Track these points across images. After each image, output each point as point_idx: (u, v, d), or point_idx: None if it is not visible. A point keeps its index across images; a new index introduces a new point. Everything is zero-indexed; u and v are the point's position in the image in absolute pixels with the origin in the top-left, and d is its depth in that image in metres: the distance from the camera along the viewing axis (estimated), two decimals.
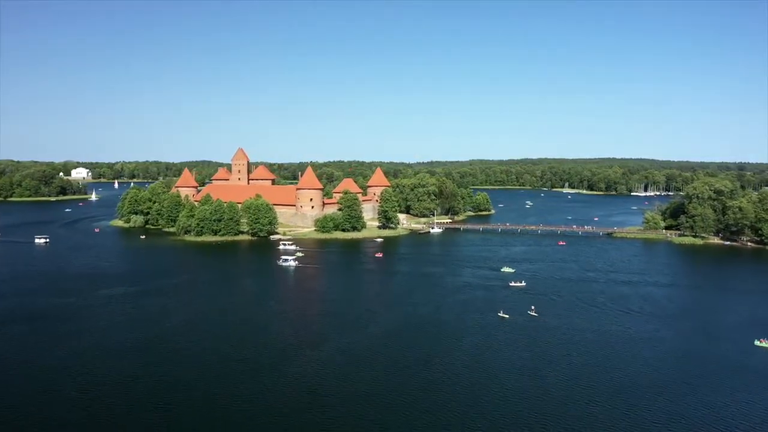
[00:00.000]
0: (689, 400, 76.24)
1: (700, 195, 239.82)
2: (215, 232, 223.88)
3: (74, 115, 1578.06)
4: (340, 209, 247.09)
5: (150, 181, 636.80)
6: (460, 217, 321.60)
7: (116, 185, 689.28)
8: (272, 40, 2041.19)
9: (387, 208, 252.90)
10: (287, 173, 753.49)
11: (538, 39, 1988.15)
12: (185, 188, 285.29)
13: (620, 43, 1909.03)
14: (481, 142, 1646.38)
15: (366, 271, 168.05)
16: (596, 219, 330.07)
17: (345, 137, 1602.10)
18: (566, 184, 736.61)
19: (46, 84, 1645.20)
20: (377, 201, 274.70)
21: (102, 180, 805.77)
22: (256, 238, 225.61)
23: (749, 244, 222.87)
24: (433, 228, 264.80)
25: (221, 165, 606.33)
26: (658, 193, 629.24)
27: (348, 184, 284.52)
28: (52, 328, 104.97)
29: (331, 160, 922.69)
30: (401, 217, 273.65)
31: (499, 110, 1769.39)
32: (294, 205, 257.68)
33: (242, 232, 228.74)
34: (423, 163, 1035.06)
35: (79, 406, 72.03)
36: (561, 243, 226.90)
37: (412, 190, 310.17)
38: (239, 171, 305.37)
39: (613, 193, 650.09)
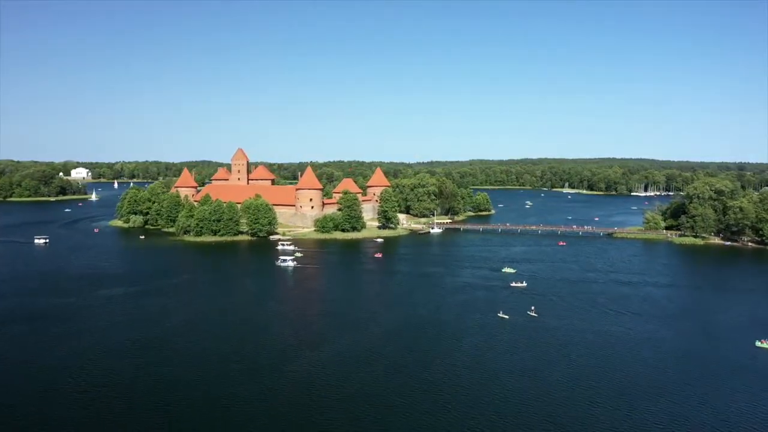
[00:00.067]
0: (690, 401, 76.00)
1: (700, 195, 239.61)
2: (215, 233, 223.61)
3: (74, 115, 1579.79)
4: (339, 209, 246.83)
5: (150, 181, 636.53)
6: (460, 218, 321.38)
7: (116, 185, 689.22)
8: (272, 40, 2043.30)
9: (387, 208, 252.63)
10: (287, 173, 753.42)
11: (538, 39, 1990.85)
12: (185, 188, 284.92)
13: (620, 43, 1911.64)
14: (481, 142, 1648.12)
15: (365, 272, 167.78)
16: (596, 219, 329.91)
17: (345, 137, 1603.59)
18: (566, 184, 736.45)
19: (46, 84, 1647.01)
20: (377, 201, 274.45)
21: (102, 180, 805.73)
22: (255, 238, 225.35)
23: (750, 244, 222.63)
24: (433, 228, 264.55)
25: (221, 165, 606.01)
26: (658, 193, 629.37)
27: (348, 184, 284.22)
28: (52, 328, 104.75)
29: (331, 160, 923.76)
30: (401, 217, 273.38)
31: (499, 110, 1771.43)
32: (294, 206, 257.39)
33: (242, 233, 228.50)
34: (423, 163, 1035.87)
35: (79, 406, 71.82)
36: (561, 243, 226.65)
37: (412, 190, 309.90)
38: (239, 171, 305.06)
39: (613, 193, 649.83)
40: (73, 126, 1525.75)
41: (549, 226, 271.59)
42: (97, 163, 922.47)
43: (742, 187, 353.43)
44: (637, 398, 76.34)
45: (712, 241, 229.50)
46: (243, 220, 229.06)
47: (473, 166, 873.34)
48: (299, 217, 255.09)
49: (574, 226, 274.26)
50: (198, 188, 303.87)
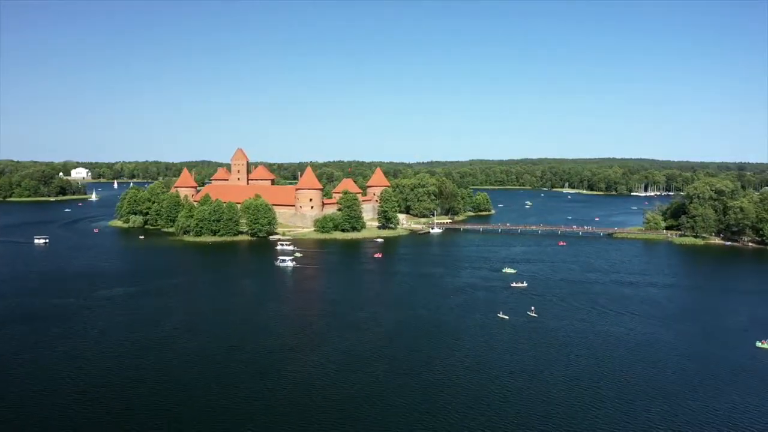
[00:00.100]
0: (691, 402, 75.77)
1: (700, 195, 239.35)
2: (214, 233, 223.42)
3: (74, 115, 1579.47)
4: (339, 209, 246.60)
5: (149, 181, 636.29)
6: (460, 218, 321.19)
7: (115, 185, 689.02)
8: (272, 40, 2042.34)
9: (387, 209, 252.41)
10: (287, 173, 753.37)
11: (538, 39, 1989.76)
12: (184, 188, 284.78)
13: (620, 43, 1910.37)
14: (481, 142, 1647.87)
15: (365, 272, 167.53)
16: (597, 219, 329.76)
17: (345, 137, 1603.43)
18: (566, 184, 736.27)
19: (46, 84, 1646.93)
20: (377, 201, 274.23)
21: (102, 180, 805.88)
22: (255, 238, 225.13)
23: (750, 244, 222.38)
24: (432, 228, 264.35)
25: (221, 165, 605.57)
26: (658, 193, 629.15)
27: (347, 184, 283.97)
28: (52, 328, 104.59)
29: (331, 160, 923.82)
30: (401, 217, 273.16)
31: (499, 110, 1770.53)
32: (293, 206, 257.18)
33: (241, 233, 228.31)
34: (423, 163, 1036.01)
35: (78, 407, 71.66)
36: (561, 243, 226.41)
37: (412, 190, 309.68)
38: (238, 171, 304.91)
39: (613, 193, 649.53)
40: (72, 126, 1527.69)
41: (549, 227, 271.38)
42: (96, 163, 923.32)
43: (743, 187, 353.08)
44: (638, 399, 76.12)
45: (712, 242, 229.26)
46: (243, 221, 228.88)
47: (473, 166, 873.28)
48: (299, 217, 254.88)
49: (575, 227, 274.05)
50: (198, 188, 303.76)
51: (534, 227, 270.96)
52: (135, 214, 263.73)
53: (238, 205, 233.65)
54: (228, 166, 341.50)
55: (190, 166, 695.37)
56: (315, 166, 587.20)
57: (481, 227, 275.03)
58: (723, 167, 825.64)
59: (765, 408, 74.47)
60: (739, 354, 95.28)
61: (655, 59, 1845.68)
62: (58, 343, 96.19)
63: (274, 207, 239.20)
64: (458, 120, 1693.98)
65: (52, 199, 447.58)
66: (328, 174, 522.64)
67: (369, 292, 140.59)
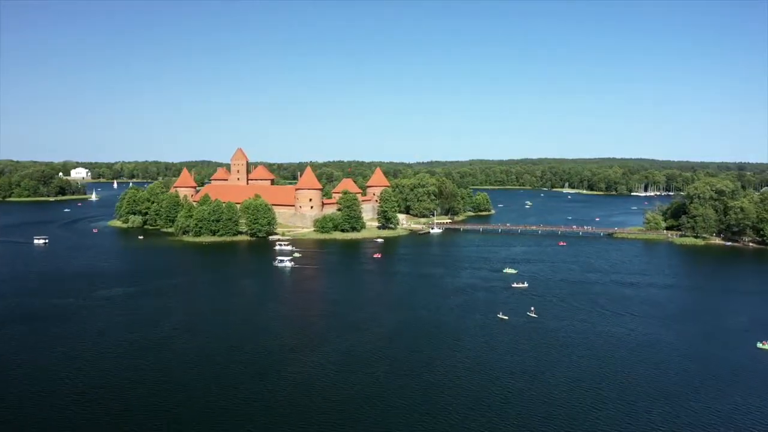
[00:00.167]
0: (692, 403, 75.42)
1: (701, 195, 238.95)
2: (214, 233, 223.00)
3: (74, 115, 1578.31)
4: (339, 209, 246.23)
5: (149, 181, 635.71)
6: (460, 218, 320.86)
7: (115, 185, 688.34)
8: (272, 40, 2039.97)
9: (386, 209, 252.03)
10: (287, 173, 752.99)
11: (538, 39, 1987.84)
12: (184, 188, 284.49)
13: (620, 43, 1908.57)
14: (481, 142, 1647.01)
15: (364, 272, 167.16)
16: (597, 219, 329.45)
17: (345, 137, 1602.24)
18: (566, 184, 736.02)
19: (46, 84, 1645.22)
20: (377, 201, 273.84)
21: (101, 180, 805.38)
22: (254, 238, 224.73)
23: (751, 244, 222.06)
24: (432, 228, 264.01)
25: (221, 165, 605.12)
26: (658, 193, 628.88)
27: (347, 184, 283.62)
28: (51, 328, 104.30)
29: (331, 160, 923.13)
30: (401, 217, 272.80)
31: (499, 110, 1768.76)
32: (293, 206, 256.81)
33: (241, 233, 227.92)
34: (423, 163, 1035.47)
35: (77, 407, 71.33)
36: (561, 243, 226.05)
37: (412, 190, 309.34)
38: (238, 171, 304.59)
39: (613, 193, 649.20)
40: (72, 126, 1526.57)
41: (549, 227, 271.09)
42: (96, 163, 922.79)
43: (743, 187, 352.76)
44: (639, 400, 75.76)
45: (712, 242, 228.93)
46: (242, 221, 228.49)
47: (473, 166, 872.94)
48: (299, 217, 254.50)
49: (575, 227, 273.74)
50: (197, 188, 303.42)
51: (534, 227, 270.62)
52: (134, 214, 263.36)
53: (238, 206, 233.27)
54: (228, 166, 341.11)
55: (190, 166, 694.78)
56: (315, 166, 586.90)
57: (481, 227, 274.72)
58: (723, 167, 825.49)
59: (766, 408, 74.07)
60: (740, 355, 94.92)
61: (655, 59, 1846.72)
62: (57, 343, 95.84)
63: (274, 207, 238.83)
64: (458, 120, 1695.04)
65: (51, 199, 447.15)
66: (327, 174, 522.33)
67: (369, 293, 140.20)
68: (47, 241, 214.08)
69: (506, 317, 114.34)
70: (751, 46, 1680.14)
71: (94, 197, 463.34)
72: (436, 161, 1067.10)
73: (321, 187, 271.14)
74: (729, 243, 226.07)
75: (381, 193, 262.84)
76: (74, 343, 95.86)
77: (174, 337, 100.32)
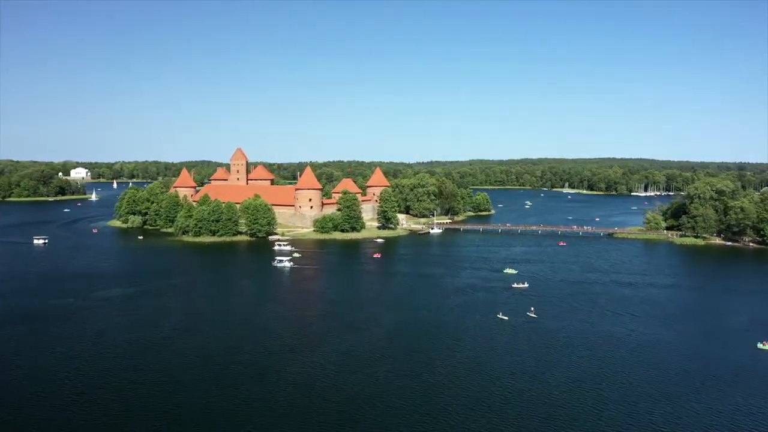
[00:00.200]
0: (693, 403, 75.16)
1: (701, 195, 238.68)
2: (213, 233, 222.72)
3: (74, 115, 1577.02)
4: (339, 209, 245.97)
5: (149, 181, 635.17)
6: (460, 218, 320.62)
7: (115, 185, 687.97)
8: (272, 40, 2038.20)
9: (386, 209, 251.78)
10: (286, 173, 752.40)
11: (538, 39, 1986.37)
12: (183, 188, 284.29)
13: (620, 43, 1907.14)
14: (481, 142, 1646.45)
15: (364, 272, 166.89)
16: (597, 219, 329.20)
17: (345, 137, 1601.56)
18: (566, 184, 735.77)
19: (45, 84, 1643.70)
20: (377, 201, 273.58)
21: (101, 180, 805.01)
22: (254, 238, 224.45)
23: (751, 244, 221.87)
24: (432, 228, 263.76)
25: (221, 165, 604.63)
26: (658, 193, 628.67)
27: (347, 184, 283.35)
28: (51, 328, 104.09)
29: (331, 160, 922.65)
30: (401, 217, 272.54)
31: (499, 110, 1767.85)
32: (293, 206, 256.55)
33: (241, 233, 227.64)
34: (423, 163, 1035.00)
35: (77, 408, 71.10)
36: (561, 243, 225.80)
37: (412, 190, 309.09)
38: (238, 171, 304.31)
39: (613, 193, 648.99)
40: (72, 126, 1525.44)
41: (549, 227, 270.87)
42: (96, 163, 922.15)
43: (743, 187, 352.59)
44: (641, 401, 75.53)
45: (713, 242, 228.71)
46: (242, 221, 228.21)
47: (473, 166, 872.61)
48: (298, 217, 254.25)
49: (575, 227, 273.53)
50: (197, 188, 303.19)
51: (534, 227, 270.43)
52: (134, 214, 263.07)
53: (238, 206, 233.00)
54: (227, 166, 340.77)
55: (190, 166, 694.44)
56: (315, 166, 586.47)
57: (481, 227, 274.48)
58: (723, 167, 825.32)
59: (767, 409, 73.95)
60: (741, 355, 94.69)
61: (655, 59, 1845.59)
62: (57, 343, 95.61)
63: (274, 207, 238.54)
64: (458, 120, 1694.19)
65: (51, 199, 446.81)
66: (327, 174, 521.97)
67: (368, 293, 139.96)
68: (47, 241, 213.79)
69: (506, 317, 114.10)
70: (751, 46, 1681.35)
71: (93, 197, 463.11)
72: (436, 161, 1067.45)
73: (321, 187, 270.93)
74: (729, 243, 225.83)
75: (381, 193, 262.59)
76: (74, 344, 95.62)
77: (173, 338, 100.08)
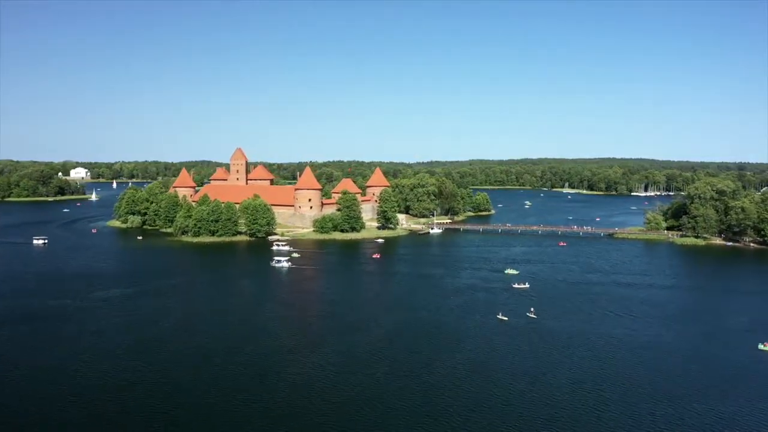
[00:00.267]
0: (697, 406, 74.70)
1: (702, 195, 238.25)
2: (213, 233, 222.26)
3: (74, 115, 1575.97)
4: (338, 210, 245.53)
5: (149, 181, 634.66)
6: (460, 218, 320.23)
7: (114, 185, 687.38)
8: (272, 40, 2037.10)
9: (386, 209, 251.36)
10: (286, 173, 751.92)
11: (538, 39, 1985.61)
12: (183, 188, 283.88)
13: (620, 43, 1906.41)
14: (481, 142, 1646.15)
15: (363, 273, 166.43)
16: (598, 219, 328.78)
17: (345, 137, 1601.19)
18: (566, 184, 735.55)
19: (45, 84, 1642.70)
20: (376, 201, 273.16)
21: (101, 180, 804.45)
22: (254, 238, 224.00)
23: (752, 245, 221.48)
24: (432, 228, 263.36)
25: (220, 165, 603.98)
26: (658, 193, 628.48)
27: (347, 185, 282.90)
28: (50, 329, 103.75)
29: (331, 160, 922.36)
30: (400, 217, 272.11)
31: (499, 110, 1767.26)
32: (292, 206, 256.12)
33: (240, 233, 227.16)
34: (423, 163, 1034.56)
35: (75, 408, 70.72)
36: (561, 244, 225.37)
37: (412, 190, 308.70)
38: (237, 171, 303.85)
39: (614, 193, 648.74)
40: (72, 126, 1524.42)
41: (549, 227, 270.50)
42: (96, 163, 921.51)
43: (743, 187, 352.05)
44: (642, 402, 75.13)
45: (713, 242, 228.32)
46: (241, 221, 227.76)
47: (473, 166, 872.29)
48: (298, 217, 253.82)
49: (575, 227, 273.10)
50: (196, 188, 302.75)
51: (534, 227, 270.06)
52: (133, 214, 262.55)
53: (237, 206, 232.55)
54: (227, 166, 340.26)
55: (190, 166, 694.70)
56: (314, 166, 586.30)
57: (480, 227, 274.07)
58: (723, 167, 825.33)
59: None
60: (742, 356, 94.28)
61: (655, 59, 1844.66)
62: (56, 344, 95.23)
63: (273, 207, 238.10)
64: (458, 120, 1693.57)
65: (50, 199, 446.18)
66: (327, 174, 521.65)
67: (368, 293, 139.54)
68: (46, 241, 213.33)
69: (506, 318, 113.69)
70: (751, 46, 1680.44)
71: (94, 197, 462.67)
72: (436, 161, 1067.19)
73: (320, 187, 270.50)
74: (730, 243, 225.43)
75: (381, 193, 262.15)
76: (73, 344, 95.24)
77: (172, 338, 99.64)
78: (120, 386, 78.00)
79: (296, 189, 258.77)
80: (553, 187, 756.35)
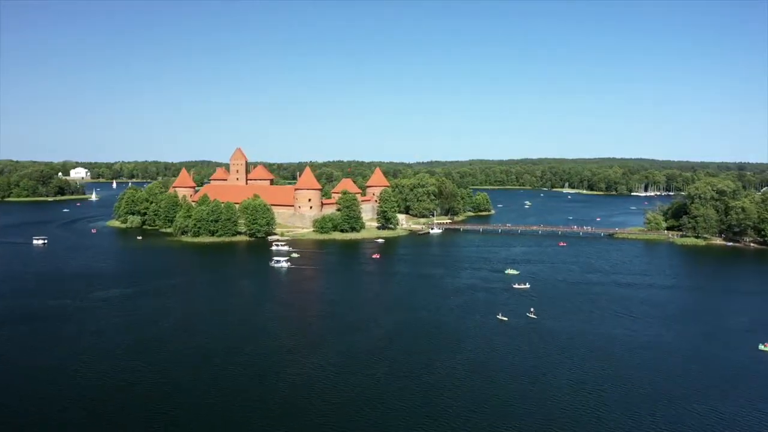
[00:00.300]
0: (697, 407, 74.58)
1: (702, 195, 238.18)
2: (212, 233, 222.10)
3: (74, 115, 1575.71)
4: (338, 210, 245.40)
5: (149, 181, 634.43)
6: (460, 218, 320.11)
7: (114, 185, 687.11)
8: (272, 40, 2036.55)
9: (386, 209, 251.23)
10: (286, 173, 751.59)
11: (538, 39, 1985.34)
12: (183, 188, 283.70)
13: (620, 43, 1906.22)
14: (481, 142, 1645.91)
15: (363, 273, 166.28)
16: (598, 219, 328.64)
17: (344, 137, 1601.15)
18: (566, 184, 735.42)
19: (45, 84, 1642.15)
20: (376, 201, 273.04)
21: (101, 180, 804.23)
22: (253, 238, 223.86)
23: (752, 245, 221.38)
24: (432, 228, 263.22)
25: (220, 165, 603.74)
26: (658, 193, 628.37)
27: (347, 185, 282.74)
28: (51, 329, 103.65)
29: (331, 160, 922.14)
30: (400, 217, 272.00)
31: (499, 110, 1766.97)
32: (292, 206, 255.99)
33: (240, 233, 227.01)
34: (423, 163, 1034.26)
35: (75, 409, 70.60)
36: (562, 244, 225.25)
37: (412, 190, 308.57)
38: (237, 171, 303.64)
39: (614, 193, 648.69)
40: (72, 126, 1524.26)
41: (549, 227, 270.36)
42: (96, 163, 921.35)
43: (743, 187, 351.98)
44: (642, 402, 75.03)
45: (713, 242, 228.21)
46: (241, 221, 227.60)
47: (473, 166, 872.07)
48: (298, 217, 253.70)
49: (575, 227, 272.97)
50: (196, 188, 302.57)
51: (534, 227, 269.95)
52: (133, 214, 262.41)
53: (237, 206, 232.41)
54: (227, 166, 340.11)
55: (190, 166, 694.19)
56: (314, 166, 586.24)
57: (480, 227, 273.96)
58: (723, 167, 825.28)
59: None
60: (743, 357, 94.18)
61: (655, 59, 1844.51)
62: (56, 344, 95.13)
63: (273, 207, 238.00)
64: (458, 120, 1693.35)
65: (50, 199, 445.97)
66: (327, 174, 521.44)
67: (368, 293, 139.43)
68: (46, 241, 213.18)
69: (506, 318, 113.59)
70: (751, 46, 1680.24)
71: (94, 197, 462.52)
72: (436, 161, 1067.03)
73: (320, 187, 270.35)
74: (730, 243, 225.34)
75: (381, 194, 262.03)
76: (72, 344, 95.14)
77: (172, 338, 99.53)
78: (120, 386, 77.92)
79: (296, 189, 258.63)
80: (553, 187, 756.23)
